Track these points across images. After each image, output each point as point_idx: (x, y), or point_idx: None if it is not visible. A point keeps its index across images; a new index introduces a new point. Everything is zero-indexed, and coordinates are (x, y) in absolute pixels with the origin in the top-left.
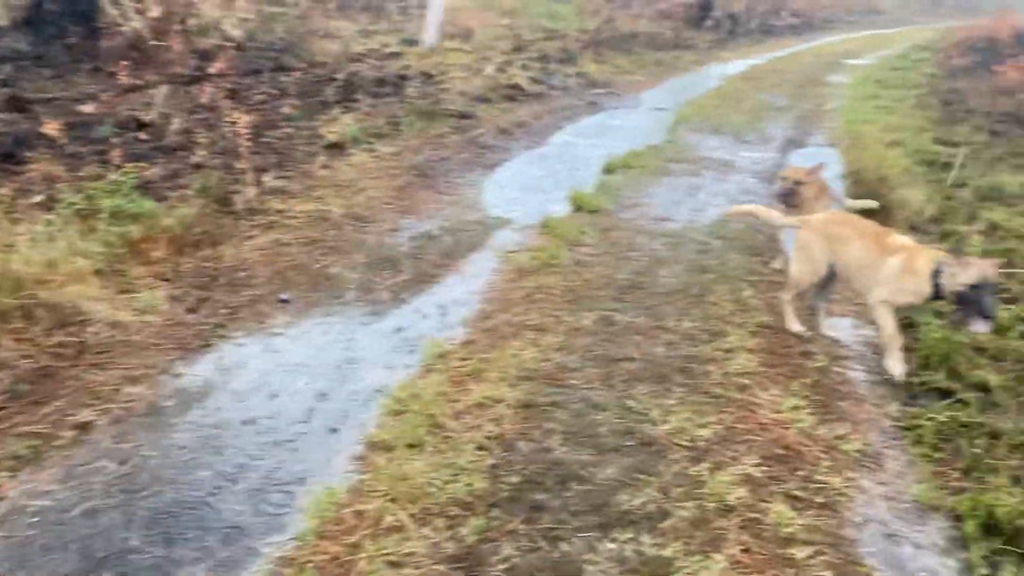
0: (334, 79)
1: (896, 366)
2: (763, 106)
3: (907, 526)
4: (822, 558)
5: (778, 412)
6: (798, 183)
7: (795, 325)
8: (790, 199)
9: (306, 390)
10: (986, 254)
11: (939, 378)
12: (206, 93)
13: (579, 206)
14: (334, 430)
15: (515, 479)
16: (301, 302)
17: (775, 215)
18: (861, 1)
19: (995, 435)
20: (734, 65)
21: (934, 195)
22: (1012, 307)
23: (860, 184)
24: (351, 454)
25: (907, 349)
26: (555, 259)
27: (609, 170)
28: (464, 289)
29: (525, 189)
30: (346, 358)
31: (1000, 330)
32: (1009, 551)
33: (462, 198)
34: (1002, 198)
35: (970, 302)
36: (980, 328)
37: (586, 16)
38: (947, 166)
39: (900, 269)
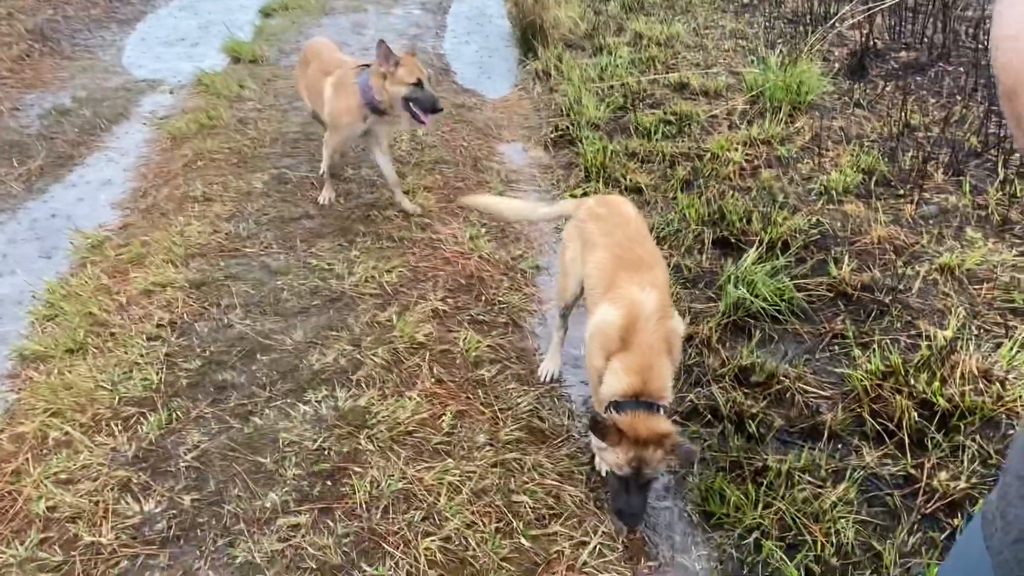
0: None
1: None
2: None
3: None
4: (508, 372)
5: (459, 244)
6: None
7: None
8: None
9: None
10: (632, 63)
11: (599, 187)
12: None
13: (237, 57)
14: None
15: (195, 363)
16: None
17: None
18: None
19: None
20: None
21: (586, 11)
22: (656, 111)
23: (519, 7)
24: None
25: (571, 164)
26: (214, 120)
27: (266, 13)
28: (113, 167)
29: (173, 44)
30: None
31: (647, 135)
32: None
33: (98, 62)
34: (643, 8)
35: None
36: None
37: None
38: None
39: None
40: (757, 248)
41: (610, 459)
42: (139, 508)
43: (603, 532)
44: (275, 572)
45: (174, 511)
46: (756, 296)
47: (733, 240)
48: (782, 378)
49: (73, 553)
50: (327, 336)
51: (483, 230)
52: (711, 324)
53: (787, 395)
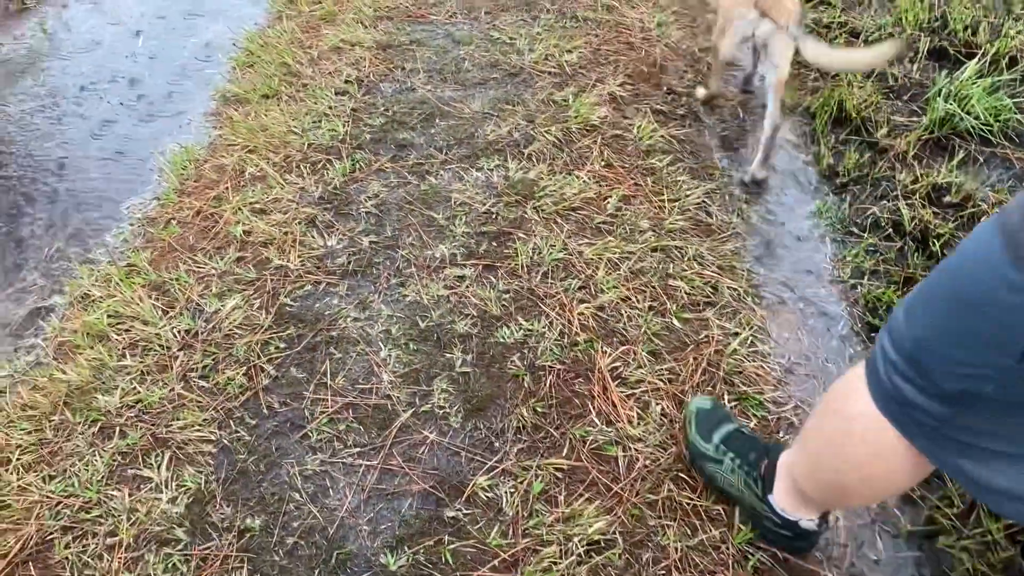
0: None
1: None
2: None
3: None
4: (680, 164)
5: (645, 30)
6: None
7: None
8: None
9: (144, 50)
10: None
11: None
12: None
13: None
14: (181, 89)
15: (379, 121)
16: None
17: None
18: None
19: (854, 33)
20: None
21: None
22: None
23: None
24: (203, 111)
25: None
26: None
27: None
28: None
29: None
30: (185, 11)
31: None
32: (853, 139)
33: None
34: None
35: None
36: None
37: None
38: None
39: None
40: (979, 61)
41: None
42: (323, 243)
43: (756, 327)
44: (440, 313)
45: (354, 249)
46: (968, 113)
47: (952, 51)
48: (979, 202)
49: (264, 272)
50: (503, 109)
51: (672, 17)
52: (909, 139)
53: (982, 219)
